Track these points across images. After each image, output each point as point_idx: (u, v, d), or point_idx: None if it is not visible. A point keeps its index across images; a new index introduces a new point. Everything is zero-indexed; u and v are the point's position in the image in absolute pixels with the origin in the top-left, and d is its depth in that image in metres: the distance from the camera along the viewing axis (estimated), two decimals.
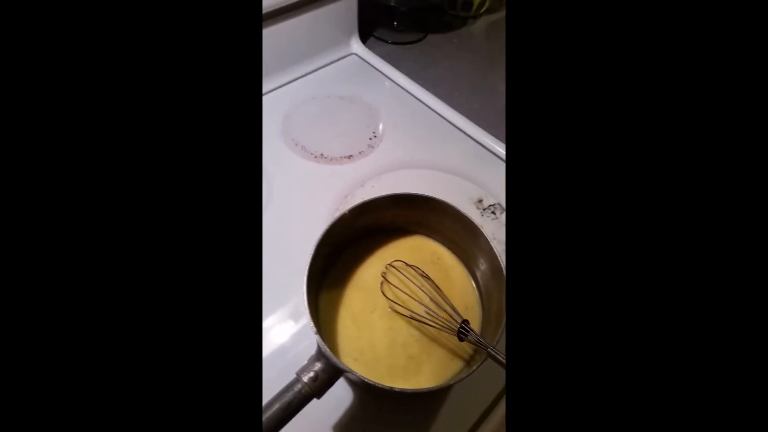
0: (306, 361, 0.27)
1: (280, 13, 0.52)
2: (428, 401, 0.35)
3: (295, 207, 0.45)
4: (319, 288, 0.35)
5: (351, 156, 0.51)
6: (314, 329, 0.27)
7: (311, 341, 0.36)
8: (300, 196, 0.46)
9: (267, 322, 0.38)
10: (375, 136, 0.53)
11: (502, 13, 0.77)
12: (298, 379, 0.26)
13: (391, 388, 0.26)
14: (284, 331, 0.38)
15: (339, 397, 0.34)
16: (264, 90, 0.56)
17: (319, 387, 0.26)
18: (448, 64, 0.65)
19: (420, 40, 0.69)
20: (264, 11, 0.49)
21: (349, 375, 0.26)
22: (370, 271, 0.36)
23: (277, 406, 0.25)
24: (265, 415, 0.24)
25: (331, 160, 0.50)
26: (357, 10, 0.61)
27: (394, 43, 0.67)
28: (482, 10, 0.74)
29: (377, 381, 0.26)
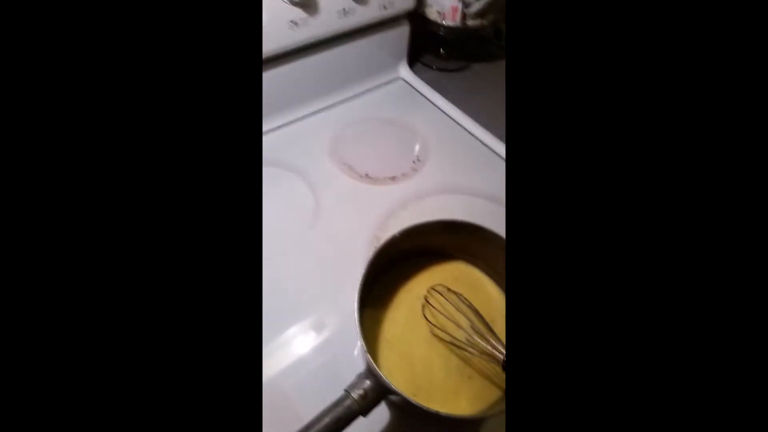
0: (354, 378, 0.28)
1: (337, 38, 0.54)
2: (467, 428, 0.35)
3: (340, 224, 0.47)
4: (362, 307, 0.36)
5: (395, 178, 0.52)
6: (364, 348, 0.29)
7: (331, 355, 0.38)
8: (345, 213, 0.48)
9: (290, 332, 0.39)
10: (418, 160, 0.55)
11: None
12: (347, 396, 0.27)
13: (438, 412, 0.27)
14: (305, 343, 0.39)
15: (376, 415, 0.35)
16: (315, 109, 0.58)
17: (367, 405, 0.27)
18: (491, 93, 0.66)
19: (465, 68, 0.71)
20: (322, 37, 0.52)
21: (395, 396, 0.27)
22: (412, 293, 0.38)
23: (327, 419, 0.26)
24: (315, 428, 0.26)
25: (375, 180, 0.52)
26: (409, 37, 0.63)
27: (439, 69, 0.69)
28: None
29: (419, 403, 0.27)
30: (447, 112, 0.61)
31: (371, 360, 0.28)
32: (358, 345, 0.38)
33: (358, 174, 0.52)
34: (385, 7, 0.54)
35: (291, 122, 0.57)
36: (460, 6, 0.61)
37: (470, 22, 0.63)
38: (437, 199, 0.51)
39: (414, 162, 0.55)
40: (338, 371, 0.37)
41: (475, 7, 0.61)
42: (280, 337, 0.39)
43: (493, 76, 0.71)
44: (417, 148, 0.56)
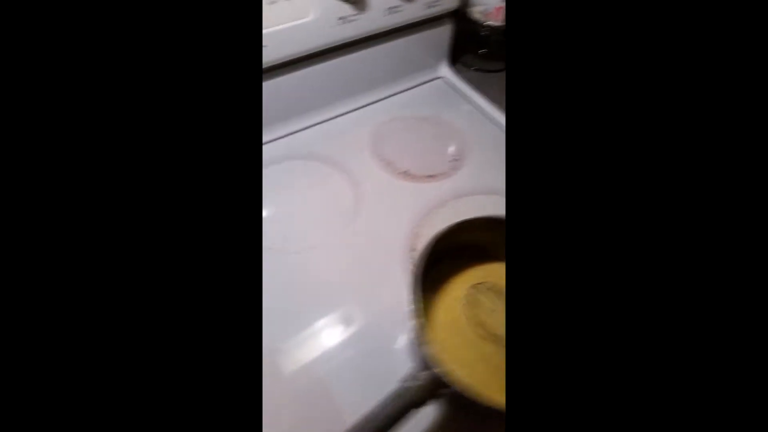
0: (410, 371, 0.29)
1: (382, 36, 0.55)
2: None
3: (378, 219, 0.48)
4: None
5: (433, 176, 0.52)
6: (422, 339, 0.29)
7: (358, 350, 0.38)
8: (383, 209, 0.49)
9: (319, 324, 0.40)
10: (457, 159, 0.55)
11: None
12: (405, 387, 0.28)
13: (494, 406, 0.26)
14: (333, 336, 0.39)
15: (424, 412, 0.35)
16: (357, 106, 0.59)
17: (424, 397, 0.27)
18: None
19: (503, 69, 0.70)
20: (368, 34, 0.53)
21: (450, 389, 0.28)
22: (457, 289, 0.38)
23: (386, 411, 0.26)
24: (375, 422, 0.26)
25: (414, 177, 0.52)
26: (451, 36, 0.63)
27: (479, 69, 0.69)
28: None
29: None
30: (486, 113, 0.61)
31: (431, 352, 0.28)
32: (400, 339, 0.39)
33: (397, 171, 0.53)
34: (430, 6, 0.54)
35: (333, 118, 0.58)
36: (504, 5, 0.60)
37: None
38: (475, 200, 0.51)
39: (452, 161, 0.54)
40: (371, 362, 0.37)
41: None
42: (312, 327, 0.39)
43: None
44: (456, 147, 0.56)
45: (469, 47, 0.71)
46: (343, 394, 0.35)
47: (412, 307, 0.30)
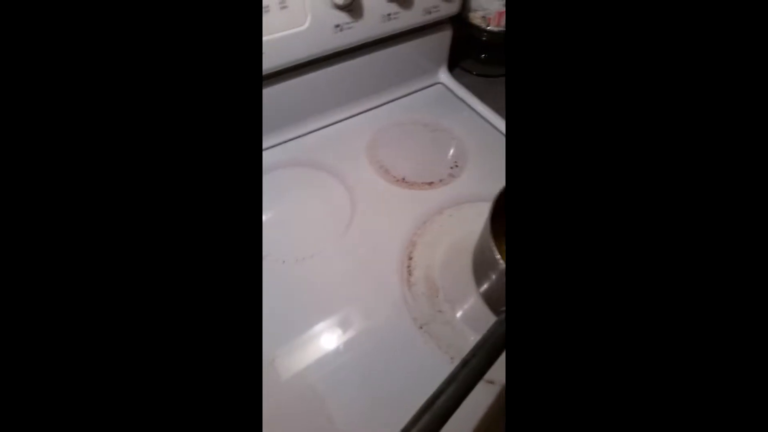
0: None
1: (380, 42, 0.55)
2: None
3: (375, 227, 0.47)
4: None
5: (432, 183, 0.52)
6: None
7: (367, 352, 0.38)
8: (380, 216, 0.48)
9: (315, 331, 0.39)
10: (456, 166, 0.54)
11: None
12: (498, 312, 0.30)
13: None
14: (338, 338, 0.39)
15: None
16: (355, 112, 0.59)
17: None
18: None
19: (504, 74, 0.69)
20: (365, 41, 0.52)
21: None
22: None
23: (496, 337, 0.29)
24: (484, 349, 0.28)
25: (412, 184, 0.51)
26: (450, 42, 0.63)
27: (479, 75, 0.68)
28: None
29: None
30: (487, 118, 0.60)
31: None
32: (397, 347, 0.38)
33: (394, 178, 0.52)
34: (429, 12, 0.54)
35: (330, 124, 0.57)
36: (504, 10, 0.60)
37: None
38: (475, 207, 0.50)
39: (452, 168, 0.54)
40: (368, 369, 0.37)
41: None
42: (308, 332, 0.39)
43: None
44: (455, 153, 0.56)
45: (470, 52, 0.71)
46: (339, 402, 0.35)
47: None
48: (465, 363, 0.29)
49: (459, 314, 0.41)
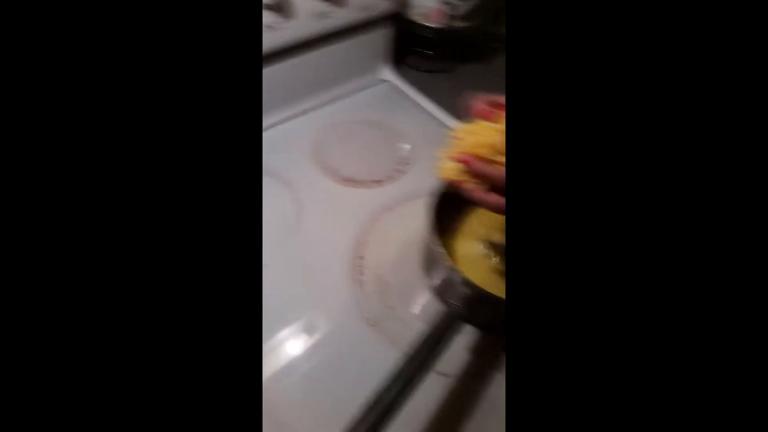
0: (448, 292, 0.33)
1: (317, 41, 0.54)
2: None
3: (323, 228, 0.46)
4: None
5: (380, 181, 0.51)
6: (450, 264, 0.34)
7: (324, 357, 0.37)
8: (328, 217, 0.47)
9: (281, 335, 0.38)
10: (404, 163, 0.54)
11: None
12: (450, 305, 0.32)
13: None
14: (296, 346, 0.38)
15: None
16: (296, 112, 0.57)
17: (470, 311, 0.32)
18: (478, 94, 0.66)
19: (452, 69, 0.70)
20: (299, 41, 0.51)
21: (492, 298, 0.32)
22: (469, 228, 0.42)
23: (440, 324, 0.30)
24: (432, 333, 0.29)
25: (360, 183, 0.51)
26: (391, 39, 0.63)
27: (425, 71, 0.69)
28: None
29: None
30: (433, 114, 0.60)
31: (458, 271, 0.33)
32: (355, 347, 0.37)
33: (341, 177, 0.51)
34: (365, 10, 0.54)
35: (272, 125, 0.56)
36: (443, 8, 0.60)
37: (456, 24, 0.62)
38: (424, 202, 0.50)
39: (399, 165, 0.54)
40: (319, 372, 0.36)
41: (462, 9, 0.61)
42: (268, 343, 0.37)
43: (480, 77, 0.70)
44: (402, 150, 0.55)
45: (414, 49, 0.71)
46: (291, 406, 0.34)
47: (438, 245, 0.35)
48: (410, 358, 0.28)
49: (411, 309, 0.41)
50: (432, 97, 0.62)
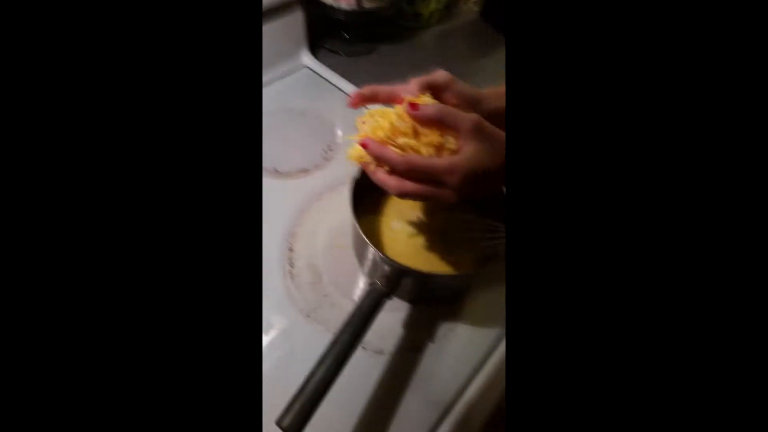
0: (374, 272, 0.34)
1: None
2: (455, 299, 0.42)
3: None
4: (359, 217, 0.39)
5: (306, 170, 0.51)
6: (373, 247, 0.34)
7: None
8: None
9: None
10: (330, 149, 0.54)
11: (452, 23, 0.79)
12: (374, 283, 0.32)
13: (446, 274, 0.37)
14: None
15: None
16: None
17: (390, 286, 0.32)
18: (400, 74, 0.66)
19: (371, 51, 0.70)
20: None
21: (408, 273, 0.33)
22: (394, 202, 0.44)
23: (366, 304, 0.30)
24: (357, 314, 0.30)
25: (286, 174, 0.50)
26: (304, 23, 0.61)
27: (345, 54, 0.68)
28: (432, 21, 0.76)
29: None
30: None
31: (380, 252, 0.34)
32: (292, 340, 0.37)
33: (266, 169, 0.50)
34: None
35: None
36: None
37: (367, 4, 0.62)
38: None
39: (325, 151, 0.53)
40: (267, 366, 0.35)
41: None
42: None
43: (400, 56, 0.71)
44: (327, 137, 0.55)
45: (333, 32, 0.70)
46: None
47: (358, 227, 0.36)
48: (334, 338, 0.29)
49: (346, 295, 0.41)
50: (354, 80, 0.62)
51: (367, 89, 0.33)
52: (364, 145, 0.30)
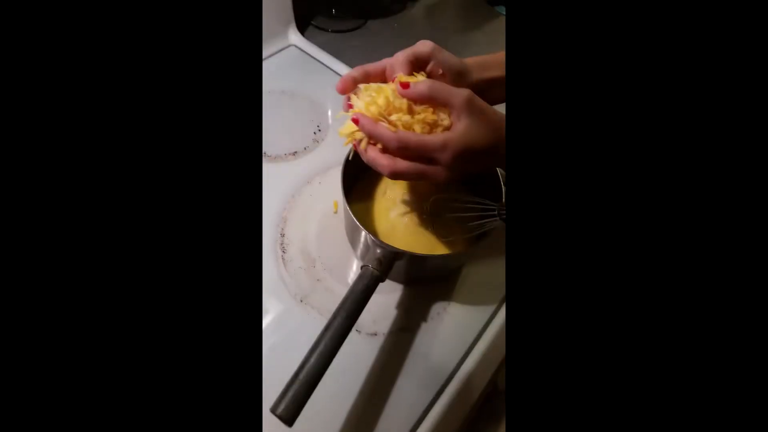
0: (368, 256, 0.34)
1: None
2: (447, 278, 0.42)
3: None
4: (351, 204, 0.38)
5: (296, 153, 0.50)
6: (365, 230, 0.34)
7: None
8: None
9: None
10: (320, 130, 0.52)
11: None
12: (367, 267, 0.32)
13: (438, 255, 0.36)
14: None
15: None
16: None
17: (383, 270, 0.32)
18: (390, 50, 0.64)
19: (360, 27, 0.68)
20: None
21: (400, 256, 0.33)
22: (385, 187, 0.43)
23: (359, 287, 0.31)
24: (351, 298, 0.30)
25: (275, 158, 0.49)
26: (293, 1, 0.59)
27: (333, 31, 0.66)
28: None
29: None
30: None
31: (372, 236, 0.34)
32: (284, 323, 0.37)
33: None
34: None
35: None
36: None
37: None
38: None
39: (315, 133, 0.52)
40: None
41: None
42: None
43: (389, 31, 0.69)
44: (316, 117, 0.54)
45: (321, 9, 0.67)
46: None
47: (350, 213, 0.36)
48: (328, 322, 0.29)
49: (339, 279, 0.41)
50: (343, 58, 0.60)
51: (357, 71, 0.32)
52: (355, 121, 0.29)
